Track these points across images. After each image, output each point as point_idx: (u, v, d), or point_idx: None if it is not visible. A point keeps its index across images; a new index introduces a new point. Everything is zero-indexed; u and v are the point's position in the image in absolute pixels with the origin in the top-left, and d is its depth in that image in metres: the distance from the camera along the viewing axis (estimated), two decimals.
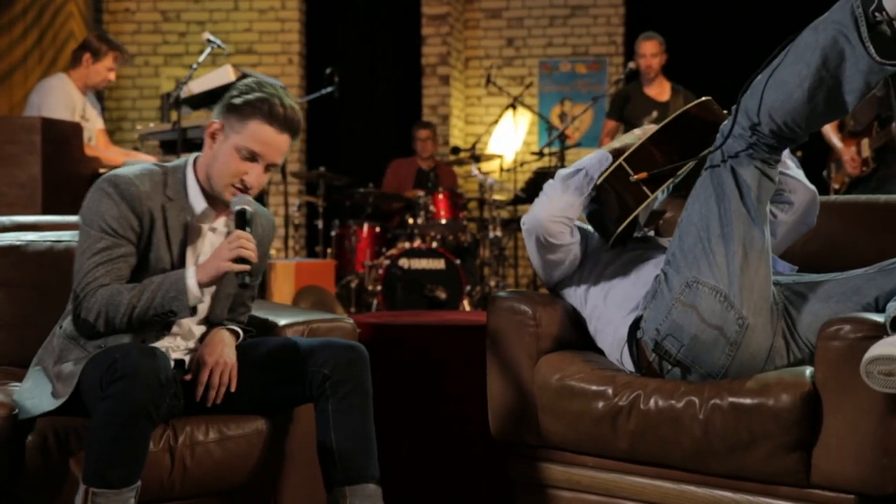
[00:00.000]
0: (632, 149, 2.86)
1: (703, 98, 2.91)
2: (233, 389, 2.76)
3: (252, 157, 2.68)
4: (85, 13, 9.00)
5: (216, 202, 2.76)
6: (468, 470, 3.23)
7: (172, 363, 2.78)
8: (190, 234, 2.76)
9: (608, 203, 2.91)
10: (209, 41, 6.24)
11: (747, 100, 2.62)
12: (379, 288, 7.22)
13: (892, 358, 2.34)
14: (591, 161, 2.96)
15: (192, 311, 2.68)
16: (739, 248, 2.64)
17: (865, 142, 5.62)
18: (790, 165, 2.98)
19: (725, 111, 2.85)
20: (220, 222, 2.82)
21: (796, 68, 2.51)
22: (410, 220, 7.60)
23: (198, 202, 2.76)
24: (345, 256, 7.71)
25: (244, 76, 5.79)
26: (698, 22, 9.27)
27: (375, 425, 2.79)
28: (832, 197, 3.29)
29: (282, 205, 8.24)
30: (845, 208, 3.20)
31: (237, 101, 2.69)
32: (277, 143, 2.69)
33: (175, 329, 2.82)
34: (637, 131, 2.98)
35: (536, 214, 2.96)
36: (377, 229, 7.78)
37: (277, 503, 2.91)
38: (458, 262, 7.23)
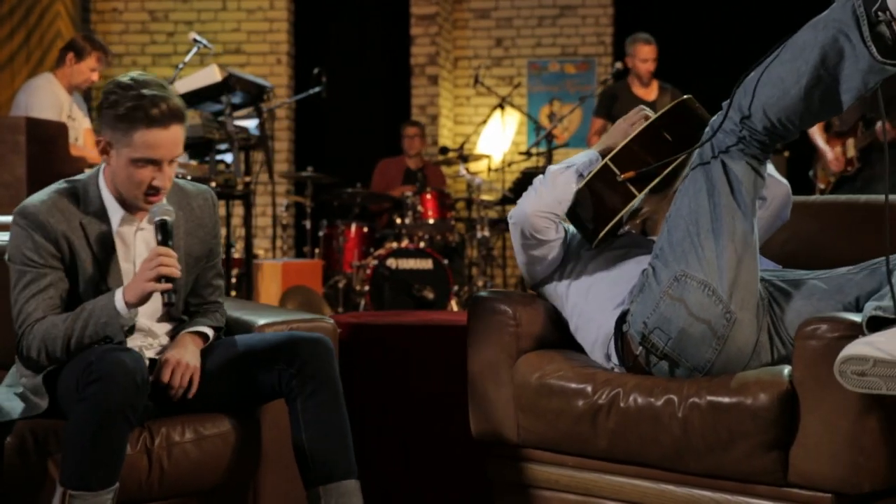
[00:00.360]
0: (617, 148, 2.85)
1: (685, 97, 2.90)
2: (191, 395, 2.74)
3: (150, 162, 2.63)
4: (72, 13, 8.99)
5: (139, 212, 2.75)
6: (449, 470, 3.23)
7: (147, 363, 2.78)
8: (117, 242, 2.74)
9: (593, 203, 2.90)
10: (195, 41, 6.24)
11: (740, 96, 2.61)
12: (366, 288, 7.22)
13: (865, 358, 2.34)
14: (582, 159, 2.97)
15: (128, 331, 2.68)
16: (729, 242, 2.64)
17: (850, 142, 5.62)
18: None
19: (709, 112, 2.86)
20: (147, 221, 2.78)
21: (794, 65, 2.51)
22: (398, 220, 7.60)
23: (115, 212, 2.74)
24: (332, 256, 7.71)
25: (230, 76, 5.80)
26: (687, 21, 9.27)
27: (356, 425, 2.78)
28: (812, 197, 3.29)
29: (269, 205, 8.23)
30: (825, 208, 3.21)
31: (111, 114, 2.62)
32: (168, 139, 2.62)
33: (144, 332, 2.82)
34: (622, 123, 2.98)
35: (524, 208, 2.96)
36: (365, 229, 7.79)
37: (258, 501, 2.89)
38: (445, 262, 7.24)
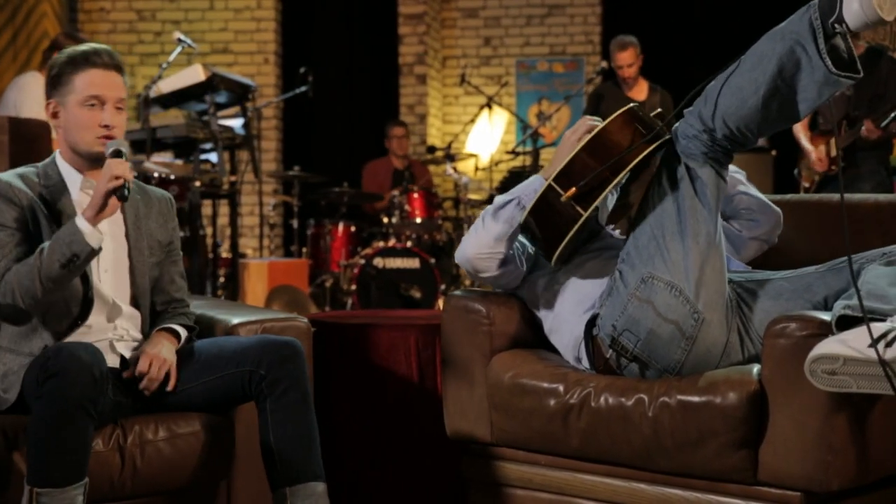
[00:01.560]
0: (560, 167, 2.78)
1: (629, 105, 2.83)
2: (170, 387, 2.76)
3: (95, 101, 2.77)
4: (59, 13, 8.98)
5: (95, 171, 2.80)
6: (423, 468, 3.24)
7: (119, 359, 2.80)
8: (77, 210, 2.75)
9: (540, 227, 2.85)
10: (180, 41, 6.23)
11: (701, 104, 2.64)
12: (353, 287, 7.22)
13: (835, 357, 2.35)
14: (525, 188, 2.93)
15: (95, 250, 2.65)
16: (694, 244, 2.65)
17: (833, 141, 5.64)
18: (752, 190, 3.05)
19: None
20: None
21: (752, 75, 2.54)
22: (385, 220, 7.60)
23: (74, 181, 2.81)
24: (320, 256, 7.71)
25: (214, 76, 5.80)
26: (675, 20, 9.29)
27: (330, 424, 2.80)
28: (786, 196, 3.30)
29: (256, 204, 8.23)
30: (798, 207, 3.21)
31: (55, 72, 2.81)
32: (108, 80, 2.79)
33: (104, 306, 2.82)
34: (570, 135, 2.90)
35: (465, 251, 2.96)
36: (352, 228, 7.79)
37: (231, 500, 2.89)
38: (432, 261, 7.24)
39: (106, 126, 2.76)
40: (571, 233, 2.76)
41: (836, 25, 2.42)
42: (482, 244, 2.91)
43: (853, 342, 2.36)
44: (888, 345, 2.33)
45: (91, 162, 2.81)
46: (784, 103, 2.53)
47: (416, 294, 7.17)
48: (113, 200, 2.63)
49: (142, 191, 2.97)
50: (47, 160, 2.87)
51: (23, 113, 5.73)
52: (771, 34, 2.54)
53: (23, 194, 2.73)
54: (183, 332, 2.89)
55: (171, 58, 6.18)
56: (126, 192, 2.63)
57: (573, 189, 2.73)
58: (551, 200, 2.78)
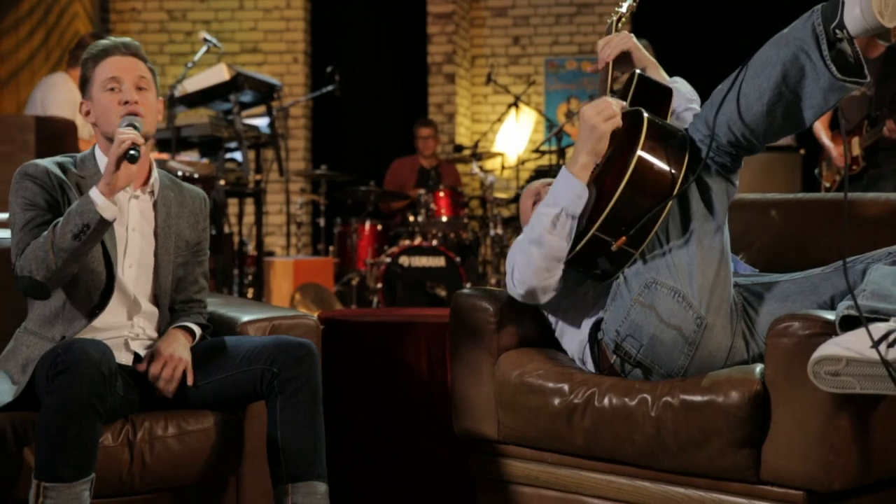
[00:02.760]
0: (601, 219, 2.63)
1: (646, 119, 2.66)
2: (189, 383, 2.79)
3: (114, 84, 2.83)
4: (91, 13, 9.07)
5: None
6: (432, 466, 3.25)
7: (132, 357, 2.84)
8: None
9: (589, 264, 2.75)
10: (206, 40, 6.28)
11: (707, 109, 2.63)
12: (379, 286, 7.24)
13: (837, 358, 2.34)
14: (561, 194, 2.76)
15: (107, 220, 2.66)
16: (699, 249, 2.64)
17: (856, 140, 5.61)
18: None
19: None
20: (140, 191, 2.90)
21: (756, 82, 2.52)
22: (411, 218, 7.62)
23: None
24: (346, 254, 7.74)
25: (238, 75, 5.84)
26: (705, 16, 9.23)
27: (340, 422, 2.81)
28: (798, 195, 3.28)
29: (284, 202, 8.28)
30: (809, 205, 3.20)
31: (81, 74, 2.90)
32: (126, 64, 2.86)
33: (125, 301, 2.85)
34: (595, 117, 2.70)
35: (528, 282, 2.78)
36: (378, 227, 7.81)
37: (240, 497, 2.91)
38: (458, 259, 7.25)
39: (126, 102, 2.80)
40: (624, 267, 2.71)
41: (838, 31, 2.40)
42: (541, 268, 2.75)
43: (855, 344, 2.34)
44: (890, 345, 2.32)
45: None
46: (789, 110, 2.51)
47: (442, 292, 7.18)
48: (126, 168, 2.65)
49: (177, 188, 2.99)
50: (87, 151, 2.92)
51: (49, 111, 5.80)
52: (775, 39, 2.52)
53: (58, 180, 2.78)
54: (198, 331, 2.92)
55: (197, 57, 6.23)
56: (136, 153, 2.64)
57: (623, 238, 2.63)
58: (600, 247, 2.67)
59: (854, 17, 2.37)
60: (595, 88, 9.22)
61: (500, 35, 9.99)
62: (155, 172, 2.93)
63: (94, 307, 2.79)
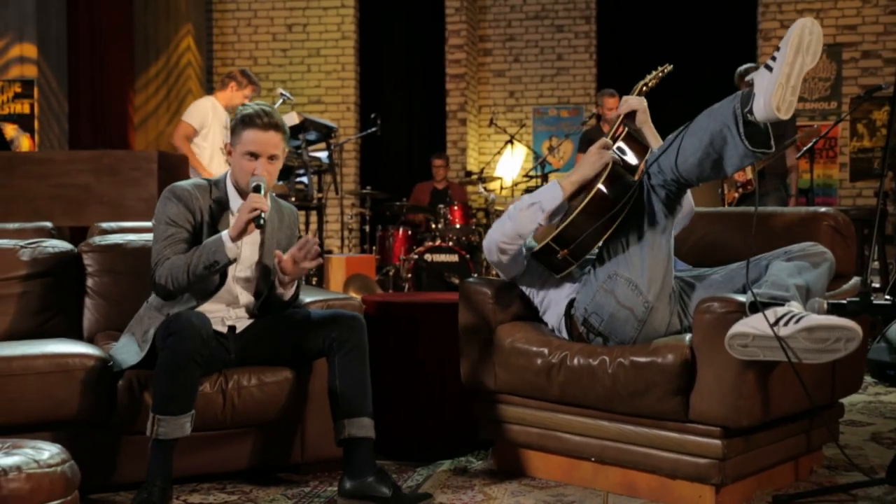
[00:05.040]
0: (555, 233, 2.68)
1: (609, 166, 2.71)
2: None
3: (253, 155, 2.73)
4: (200, 76, 9.09)
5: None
6: (447, 408, 3.23)
7: (227, 328, 2.82)
8: (232, 222, 2.75)
9: (544, 263, 2.80)
10: (281, 94, 6.28)
11: (661, 151, 2.61)
12: (409, 276, 7.22)
13: (746, 335, 2.35)
14: (545, 193, 2.79)
15: (232, 261, 2.66)
16: (650, 250, 2.63)
17: (749, 167, 5.57)
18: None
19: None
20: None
21: (692, 140, 2.51)
22: (433, 226, 7.61)
23: (235, 200, 2.81)
24: (385, 252, 7.72)
25: (306, 120, 5.84)
26: (661, 83, 9.12)
27: (377, 379, 2.79)
28: (719, 209, 3.25)
29: (339, 214, 8.27)
30: (725, 217, 3.17)
31: (233, 124, 2.78)
32: (266, 139, 2.73)
33: (229, 297, 2.83)
34: (593, 155, 2.76)
35: (493, 236, 2.82)
36: (409, 232, 7.78)
37: (304, 434, 2.92)
38: (468, 256, 7.22)
39: (257, 176, 2.72)
40: (566, 272, 2.77)
41: (749, 115, 2.39)
42: (506, 235, 2.79)
43: (759, 323, 2.35)
44: (784, 325, 2.31)
45: (245, 194, 2.78)
46: (714, 164, 2.50)
47: (456, 281, 7.15)
48: (251, 225, 2.64)
49: (277, 207, 2.92)
50: (220, 176, 2.85)
51: (184, 117, 5.78)
52: (708, 112, 2.51)
53: (197, 201, 2.75)
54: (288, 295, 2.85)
55: (276, 106, 6.21)
56: (261, 221, 2.62)
57: (565, 251, 2.69)
58: (550, 253, 2.72)
59: (760, 107, 2.36)
60: (571, 129, 9.22)
61: (499, 90, 9.95)
62: (268, 201, 2.77)
63: (203, 297, 2.77)
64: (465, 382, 3.01)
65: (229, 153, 2.80)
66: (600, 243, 2.70)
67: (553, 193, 2.77)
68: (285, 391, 2.81)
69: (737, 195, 5.78)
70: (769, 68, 2.35)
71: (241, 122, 2.75)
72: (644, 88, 3.01)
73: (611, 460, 2.69)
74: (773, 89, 2.32)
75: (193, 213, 2.74)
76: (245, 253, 2.81)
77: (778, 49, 2.35)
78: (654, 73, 3.05)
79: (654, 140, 2.87)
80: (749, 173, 5.59)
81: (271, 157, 2.75)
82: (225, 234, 2.63)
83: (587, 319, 2.72)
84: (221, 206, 2.78)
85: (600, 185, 2.67)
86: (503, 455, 2.97)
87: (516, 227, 2.77)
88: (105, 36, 7.68)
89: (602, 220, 2.65)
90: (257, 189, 2.68)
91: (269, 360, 2.83)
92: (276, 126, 2.75)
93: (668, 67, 3.08)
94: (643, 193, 2.65)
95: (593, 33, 9.70)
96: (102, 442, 2.67)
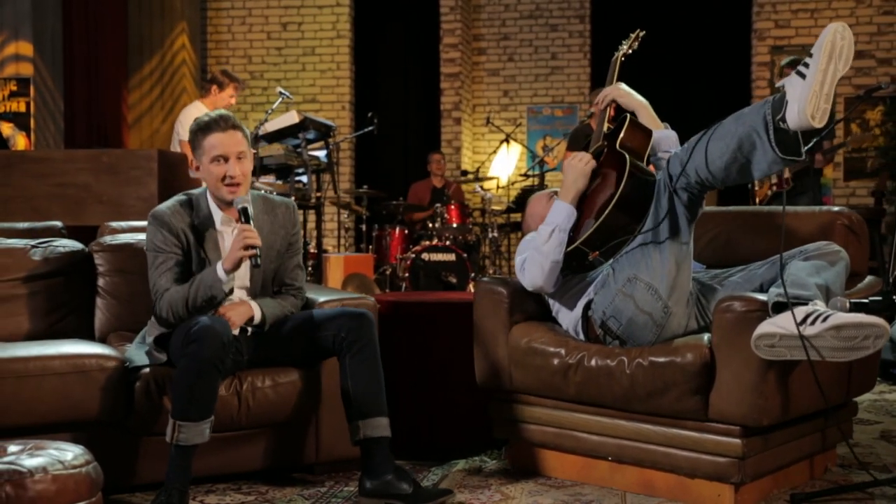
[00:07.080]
0: (584, 237, 2.66)
1: (628, 164, 2.66)
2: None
3: (220, 158, 2.69)
4: (194, 74, 9.04)
5: (231, 210, 2.76)
6: (460, 407, 3.22)
7: (239, 331, 2.80)
8: (218, 238, 2.77)
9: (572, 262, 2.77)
10: (280, 93, 6.25)
11: (683, 152, 2.58)
12: (406, 275, 7.21)
13: (772, 335, 2.35)
14: (556, 216, 2.77)
15: (227, 293, 2.68)
16: (670, 255, 2.61)
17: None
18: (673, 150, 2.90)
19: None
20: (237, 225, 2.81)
21: (718, 144, 2.47)
22: (430, 225, 7.59)
23: (216, 215, 2.78)
24: (382, 251, 7.69)
25: (305, 118, 5.81)
26: (651, 83, 9.14)
27: (390, 379, 2.77)
28: (730, 207, 3.24)
29: (336, 213, 8.24)
30: (738, 216, 3.15)
31: (191, 138, 2.74)
32: (229, 140, 2.70)
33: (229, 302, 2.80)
34: (577, 163, 2.80)
35: (535, 281, 2.78)
36: (406, 231, 7.77)
37: (318, 434, 2.91)
38: (465, 255, 7.21)
39: (231, 177, 2.69)
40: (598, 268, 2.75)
41: (781, 122, 2.34)
42: (545, 270, 2.76)
43: (785, 323, 2.34)
44: (811, 324, 2.31)
45: (226, 204, 2.76)
46: (741, 169, 2.46)
47: (453, 280, 7.14)
48: (244, 261, 2.63)
49: (268, 206, 2.86)
50: (199, 191, 2.81)
51: (180, 132, 5.75)
52: (737, 116, 2.47)
53: (179, 223, 2.72)
54: (258, 316, 2.79)
55: (274, 106, 6.21)
56: (256, 260, 2.61)
57: (596, 253, 2.66)
58: (579, 256, 2.70)
59: (793, 115, 2.31)
60: (566, 128, 9.23)
61: (494, 89, 9.94)
62: (250, 196, 2.76)
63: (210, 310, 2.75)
64: (479, 382, 3.00)
65: (196, 169, 2.75)
66: (629, 239, 2.66)
67: (566, 212, 2.77)
68: (299, 391, 2.80)
69: (769, 193, 5.73)
70: (801, 75, 2.30)
71: (199, 132, 2.71)
72: (622, 58, 2.99)
73: (628, 459, 2.68)
74: (807, 96, 2.27)
75: (177, 235, 2.71)
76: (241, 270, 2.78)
77: (810, 55, 2.30)
78: (626, 42, 3.05)
79: (651, 121, 2.86)
80: (787, 172, 5.53)
81: (240, 156, 2.71)
82: (219, 267, 2.62)
83: (605, 322, 2.71)
84: (205, 224, 2.75)
85: (624, 186, 2.64)
86: (518, 454, 2.97)
87: (550, 257, 2.75)
88: (100, 34, 7.63)
89: (631, 220, 2.64)
90: (244, 214, 2.65)
91: (279, 362, 2.82)
92: (236, 126, 2.73)
93: (641, 33, 3.06)
94: (665, 196, 2.62)
95: (587, 32, 9.71)
96: (120, 442, 2.65)
